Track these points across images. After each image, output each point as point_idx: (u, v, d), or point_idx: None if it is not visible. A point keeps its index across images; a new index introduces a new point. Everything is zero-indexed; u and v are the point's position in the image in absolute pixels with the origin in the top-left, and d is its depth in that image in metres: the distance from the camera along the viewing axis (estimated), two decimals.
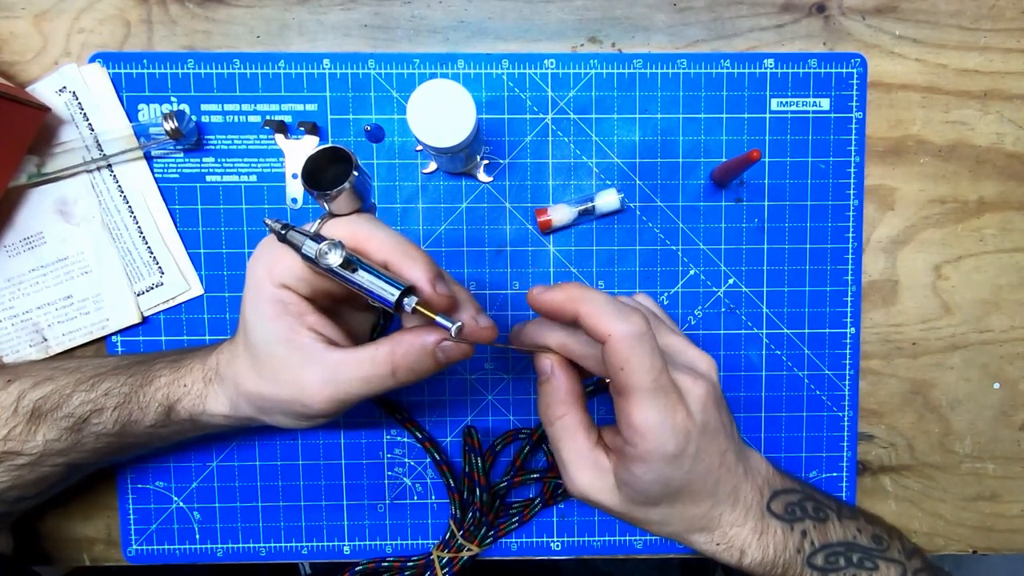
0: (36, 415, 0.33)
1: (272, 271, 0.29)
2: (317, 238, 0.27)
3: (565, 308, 0.29)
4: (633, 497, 0.30)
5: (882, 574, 0.33)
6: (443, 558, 0.40)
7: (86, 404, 0.33)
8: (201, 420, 0.33)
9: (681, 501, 0.31)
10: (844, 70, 0.41)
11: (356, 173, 0.27)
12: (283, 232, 0.28)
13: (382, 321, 0.38)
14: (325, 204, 0.28)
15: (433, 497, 0.42)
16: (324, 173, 0.28)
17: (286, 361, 0.29)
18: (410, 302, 0.27)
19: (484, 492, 0.40)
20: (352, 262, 0.27)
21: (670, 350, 0.32)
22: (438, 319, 0.27)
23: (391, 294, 0.26)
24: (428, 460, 0.42)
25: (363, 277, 0.27)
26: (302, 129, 0.40)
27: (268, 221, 0.28)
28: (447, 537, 0.41)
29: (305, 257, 0.27)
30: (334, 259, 0.26)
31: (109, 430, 0.33)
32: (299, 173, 0.28)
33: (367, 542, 0.42)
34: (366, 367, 0.29)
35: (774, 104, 0.41)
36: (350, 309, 0.33)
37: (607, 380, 0.29)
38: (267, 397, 0.30)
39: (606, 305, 0.28)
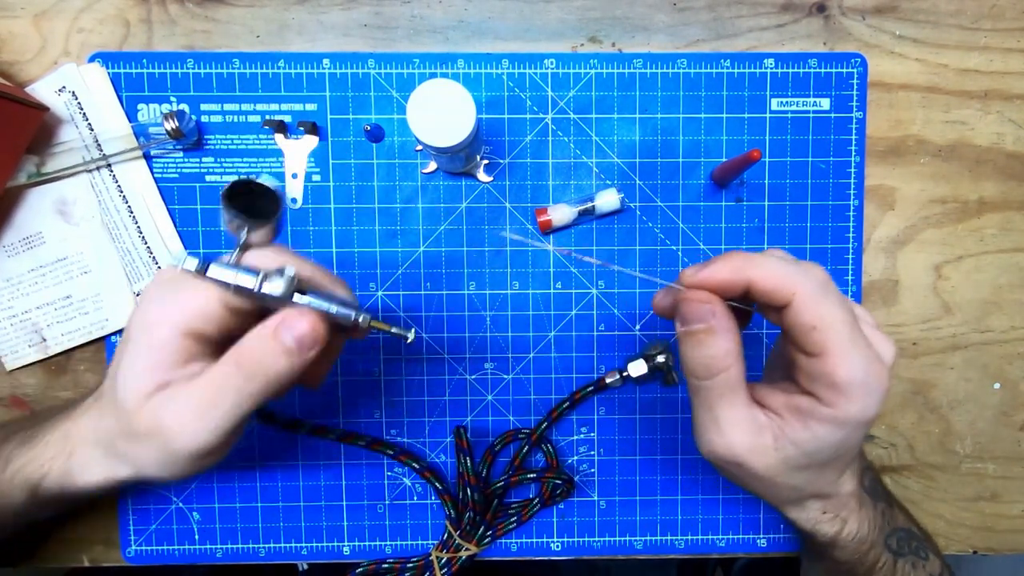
0: None
1: (180, 318, 0.26)
2: (244, 268, 0.27)
3: (733, 280, 0.26)
4: (794, 460, 0.27)
5: (931, 564, 0.34)
6: (442, 559, 0.40)
7: None
8: (72, 491, 0.31)
9: (831, 467, 0.29)
10: (844, 70, 0.41)
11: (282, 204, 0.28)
12: (203, 269, 0.26)
13: None
14: (244, 233, 0.28)
15: (432, 497, 0.42)
16: (239, 201, 0.27)
17: (154, 413, 0.27)
18: (366, 318, 0.28)
19: (475, 491, 0.39)
20: (302, 290, 0.27)
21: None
22: (394, 330, 0.29)
23: (350, 313, 0.28)
24: (428, 461, 0.42)
25: (314, 300, 0.27)
26: (302, 129, 0.40)
27: (186, 259, 0.27)
28: (445, 538, 0.40)
29: (239, 289, 0.26)
30: (276, 287, 0.26)
31: None
32: (221, 200, 0.27)
33: (367, 543, 0.42)
34: (213, 380, 0.26)
35: (774, 104, 0.41)
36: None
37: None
38: (140, 456, 0.28)
39: (780, 264, 0.26)
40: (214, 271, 0.26)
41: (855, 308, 0.28)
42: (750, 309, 0.29)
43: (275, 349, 0.26)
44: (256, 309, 0.28)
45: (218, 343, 0.28)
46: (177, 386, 0.26)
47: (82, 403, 0.32)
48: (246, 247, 0.28)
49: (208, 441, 0.27)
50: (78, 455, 0.30)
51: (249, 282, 0.26)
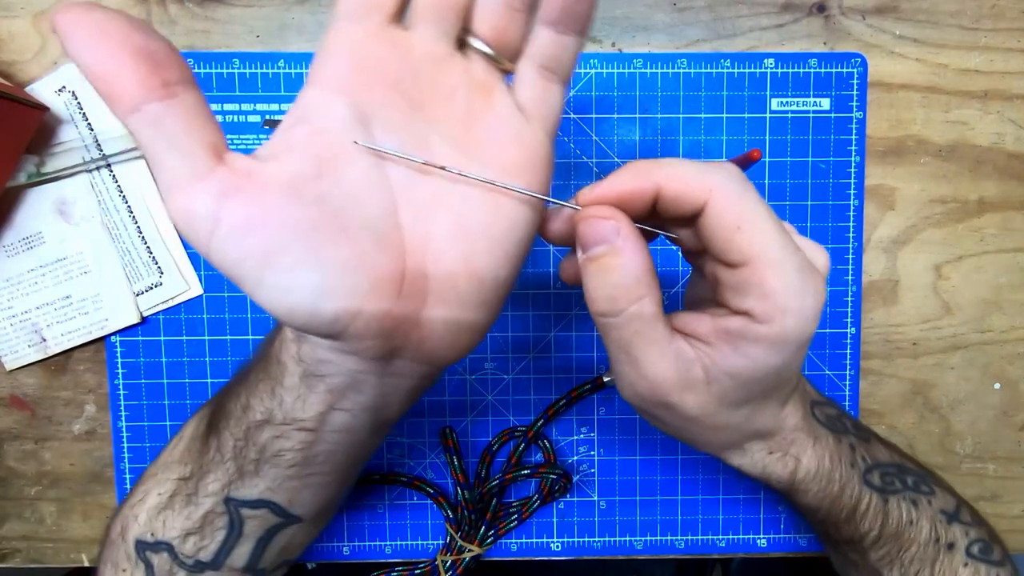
0: (207, 425, 0.28)
1: None
2: None
3: (638, 189, 0.22)
4: (730, 394, 0.24)
5: (940, 500, 0.30)
6: (446, 562, 0.40)
7: (230, 390, 0.28)
8: (282, 356, 0.25)
9: (771, 399, 0.26)
10: (844, 70, 0.41)
11: None
12: None
13: None
14: None
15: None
16: None
17: None
18: None
19: (466, 490, 0.40)
20: None
21: None
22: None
23: None
24: (428, 461, 0.42)
25: None
26: None
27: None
28: (448, 540, 0.41)
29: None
30: None
31: (236, 415, 0.27)
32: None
33: (367, 543, 0.42)
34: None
35: (774, 104, 0.41)
36: None
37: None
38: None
39: (689, 163, 0.22)
40: None
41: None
42: (658, 231, 0.25)
43: None
44: None
45: None
46: None
47: None
48: None
49: None
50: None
51: None
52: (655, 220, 0.24)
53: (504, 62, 0.23)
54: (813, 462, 0.28)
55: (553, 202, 0.24)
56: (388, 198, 0.22)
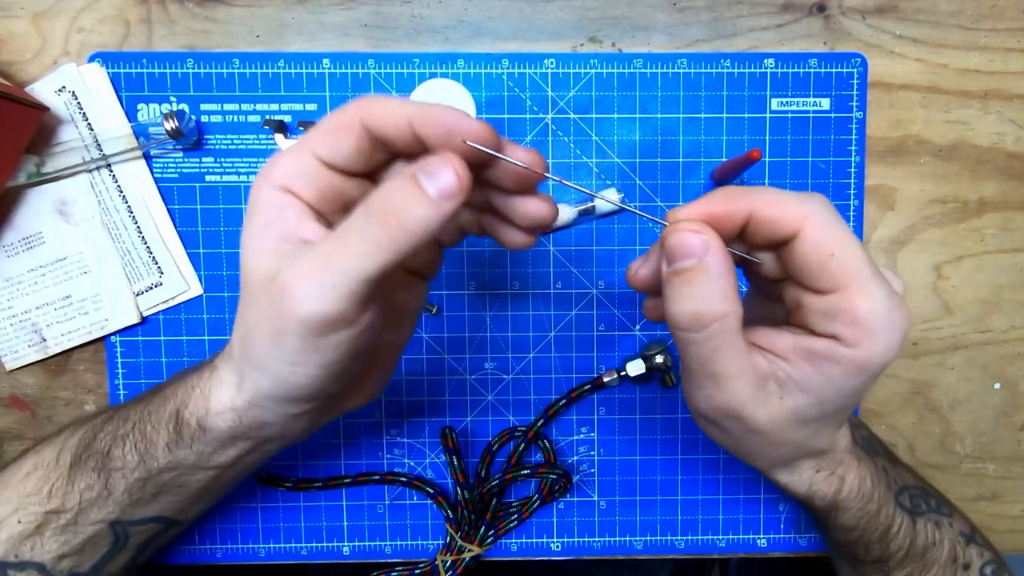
0: (73, 462, 0.30)
1: (270, 174, 0.23)
2: None
3: (731, 211, 0.23)
4: (802, 410, 0.24)
5: (957, 521, 0.32)
6: (446, 561, 0.40)
7: (108, 436, 0.30)
8: (207, 423, 0.27)
9: (835, 418, 0.26)
10: (844, 70, 0.41)
11: None
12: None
13: None
14: None
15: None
16: None
17: (268, 273, 0.22)
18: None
19: (465, 490, 0.40)
20: None
21: None
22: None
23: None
24: (427, 461, 0.42)
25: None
26: (302, 129, 0.40)
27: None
28: (448, 540, 0.41)
29: None
30: None
31: (131, 464, 0.29)
32: None
33: (367, 543, 0.42)
34: (338, 232, 0.22)
35: (774, 104, 0.41)
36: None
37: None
38: (257, 331, 0.24)
39: (782, 191, 0.23)
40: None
41: None
42: (743, 256, 0.25)
43: (412, 193, 0.21)
44: (365, 169, 0.24)
45: (347, 204, 0.24)
46: (296, 246, 0.23)
47: None
48: None
49: (328, 304, 0.21)
50: (220, 368, 0.27)
51: None
52: (739, 244, 0.25)
53: None
54: (856, 482, 0.29)
55: (642, 215, 0.25)
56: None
